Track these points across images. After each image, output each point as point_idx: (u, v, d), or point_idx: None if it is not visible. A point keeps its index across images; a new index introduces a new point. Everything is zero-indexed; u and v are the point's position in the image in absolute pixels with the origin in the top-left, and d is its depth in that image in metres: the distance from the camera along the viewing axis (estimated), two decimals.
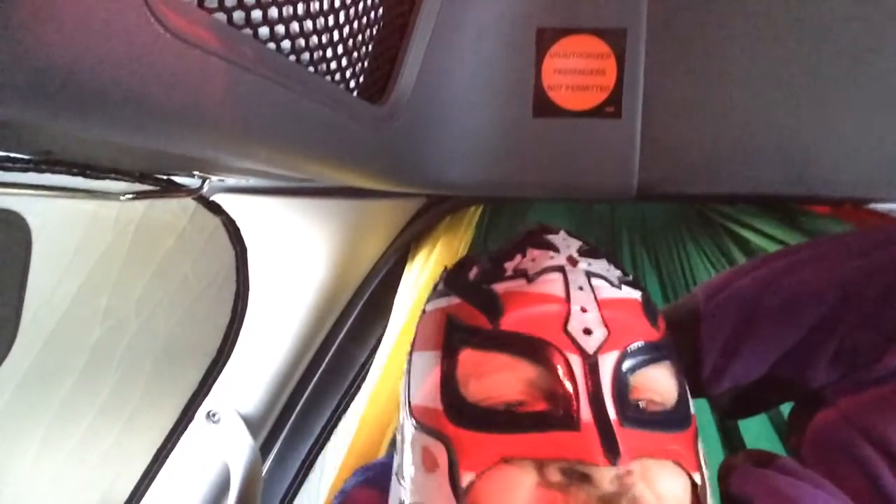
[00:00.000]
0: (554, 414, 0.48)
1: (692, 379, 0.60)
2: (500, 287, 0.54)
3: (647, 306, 0.55)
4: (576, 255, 0.56)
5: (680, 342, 0.59)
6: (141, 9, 0.27)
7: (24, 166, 0.47)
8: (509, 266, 0.56)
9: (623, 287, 0.55)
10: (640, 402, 0.50)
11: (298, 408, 1.01)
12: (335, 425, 1.03)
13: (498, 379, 0.50)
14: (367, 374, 0.96)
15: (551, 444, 0.46)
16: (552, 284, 0.53)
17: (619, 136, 0.66)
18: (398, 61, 0.55)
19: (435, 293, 0.60)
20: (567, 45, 0.65)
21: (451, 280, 0.59)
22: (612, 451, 0.45)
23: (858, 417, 0.55)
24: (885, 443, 0.53)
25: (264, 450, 1.01)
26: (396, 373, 0.89)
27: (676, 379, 0.54)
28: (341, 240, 0.95)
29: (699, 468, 0.51)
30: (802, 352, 0.59)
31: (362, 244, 0.95)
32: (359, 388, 0.99)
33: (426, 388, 0.54)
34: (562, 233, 0.59)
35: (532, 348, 0.50)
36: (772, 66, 0.64)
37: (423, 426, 0.53)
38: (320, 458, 1.04)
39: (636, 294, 0.55)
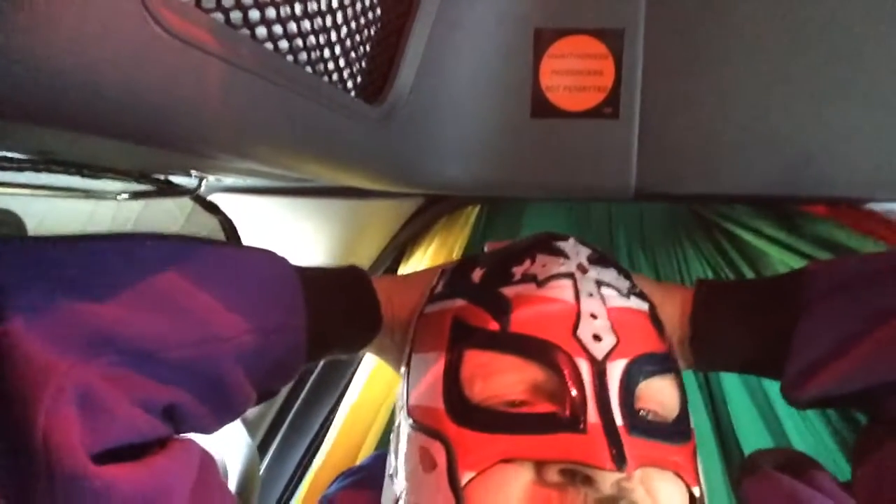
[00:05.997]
0: (560, 416, 0.48)
1: (769, 367, 0.57)
2: (509, 290, 0.54)
3: (655, 318, 0.56)
4: (586, 262, 0.56)
5: (761, 323, 0.56)
6: (138, 9, 0.27)
7: (22, 166, 0.47)
8: (518, 270, 0.55)
9: (631, 297, 0.55)
10: (644, 412, 0.50)
11: (296, 406, 1.01)
12: (332, 423, 1.03)
13: (504, 379, 0.50)
14: None
15: (556, 445, 0.47)
16: (562, 290, 0.53)
17: (617, 136, 0.66)
18: (396, 62, 0.55)
19: (434, 296, 0.59)
20: (565, 45, 0.65)
21: (454, 282, 0.59)
22: (619, 457, 0.45)
23: None
24: None
25: (262, 448, 1.01)
26: (382, 378, 0.89)
27: (679, 392, 0.54)
28: (338, 239, 0.95)
29: (698, 482, 0.51)
30: None
31: (359, 244, 0.95)
32: None
33: (426, 388, 0.53)
34: (571, 240, 0.59)
35: (541, 351, 0.50)
36: (770, 66, 0.64)
37: (422, 426, 0.53)
38: (318, 456, 1.04)
39: (644, 305, 0.56)
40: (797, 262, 0.76)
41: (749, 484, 0.57)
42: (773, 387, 0.88)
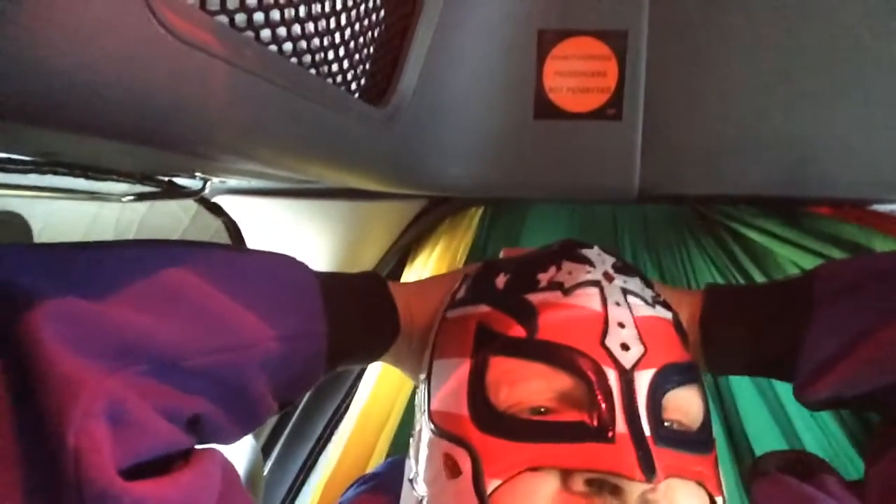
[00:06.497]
0: (588, 425, 0.47)
1: (780, 370, 0.58)
2: (535, 297, 0.53)
3: (679, 327, 0.56)
4: (611, 271, 0.56)
5: (770, 326, 0.56)
6: (143, 11, 0.27)
7: (26, 168, 0.47)
8: (543, 277, 0.55)
9: (657, 306, 0.55)
10: (669, 422, 0.50)
11: (300, 408, 1.01)
12: (337, 425, 1.03)
13: (530, 386, 0.50)
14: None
15: (584, 455, 0.46)
16: (589, 298, 0.53)
17: (621, 138, 0.66)
18: (399, 63, 0.55)
19: (456, 301, 0.59)
20: (568, 47, 0.65)
21: (477, 287, 0.58)
22: (648, 468, 0.45)
23: None
24: None
25: (266, 450, 1.01)
26: (390, 381, 0.89)
27: (703, 402, 0.53)
28: (342, 241, 0.95)
29: (721, 492, 0.51)
30: None
31: (363, 246, 0.95)
32: None
33: (449, 394, 0.53)
34: (596, 248, 0.59)
35: (569, 359, 0.49)
36: (772, 68, 0.64)
37: (444, 432, 0.52)
38: (322, 458, 1.04)
39: (669, 314, 0.56)
40: (805, 259, 0.75)
41: (759, 487, 0.57)
42: (783, 386, 0.88)
